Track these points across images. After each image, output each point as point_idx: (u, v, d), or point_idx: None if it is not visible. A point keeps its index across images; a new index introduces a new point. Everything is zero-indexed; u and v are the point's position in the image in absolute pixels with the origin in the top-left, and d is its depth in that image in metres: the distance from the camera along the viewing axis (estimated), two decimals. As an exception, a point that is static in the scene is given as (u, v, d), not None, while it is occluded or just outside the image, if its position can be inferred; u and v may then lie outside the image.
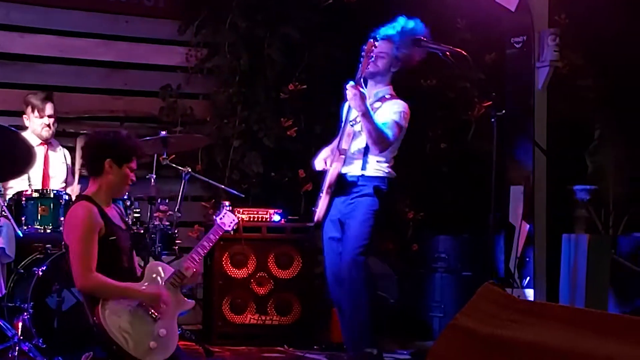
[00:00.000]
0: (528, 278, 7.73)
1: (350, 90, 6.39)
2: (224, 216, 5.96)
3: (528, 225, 7.78)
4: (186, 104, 8.73)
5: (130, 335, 5.11)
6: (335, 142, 6.68)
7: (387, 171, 6.62)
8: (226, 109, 8.74)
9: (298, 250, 7.77)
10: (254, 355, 7.35)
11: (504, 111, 6.64)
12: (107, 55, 8.58)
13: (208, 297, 7.93)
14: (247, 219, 7.83)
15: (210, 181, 7.63)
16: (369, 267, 6.56)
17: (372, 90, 6.63)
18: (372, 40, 6.51)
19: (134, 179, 5.52)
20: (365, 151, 6.56)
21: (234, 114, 8.70)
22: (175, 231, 7.19)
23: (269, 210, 7.91)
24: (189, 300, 5.54)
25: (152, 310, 5.23)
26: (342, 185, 6.57)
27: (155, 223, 6.95)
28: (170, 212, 7.15)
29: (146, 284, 5.37)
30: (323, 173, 6.65)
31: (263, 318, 7.73)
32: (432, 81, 9.01)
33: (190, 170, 7.15)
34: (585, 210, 7.80)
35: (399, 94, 6.71)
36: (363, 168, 6.56)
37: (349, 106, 6.57)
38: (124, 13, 8.63)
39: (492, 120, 6.51)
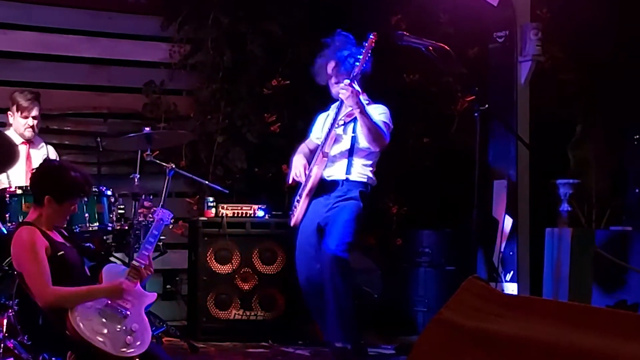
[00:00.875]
0: (512, 272, 7.76)
1: (345, 88, 6.39)
2: (160, 212, 5.95)
3: (511, 220, 7.81)
4: (170, 100, 8.72)
5: (105, 336, 5.11)
6: (304, 150, 6.74)
7: (370, 176, 6.66)
8: (210, 105, 8.73)
9: (282, 245, 7.77)
10: (239, 351, 7.36)
11: (486, 106, 6.67)
12: (90, 51, 8.55)
13: (192, 293, 7.94)
14: (231, 214, 7.84)
15: (195, 177, 7.62)
16: (351, 266, 6.59)
17: (343, 110, 6.69)
18: (372, 37, 6.52)
19: (76, 211, 5.56)
20: (350, 154, 6.59)
21: (218, 110, 8.70)
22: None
23: (253, 206, 7.91)
24: (151, 293, 5.52)
25: (120, 307, 5.22)
26: (323, 187, 6.61)
27: (140, 219, 6.94)
28: (154, 208, 7.15)
29: (105, 284, 5.38)
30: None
31: (247, 313, 7.74)
32: (415, 76, 9.02)
33: (174, 166, 7.14)
34: (568, 204, 7.83)
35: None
36: (348, 172, 6.59)
37: (338, 107, 6.62)
38: (107, 9, 8.61)
39: (475, 114, 6.54)
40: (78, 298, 5.21)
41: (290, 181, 6.91)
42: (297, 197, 6.77)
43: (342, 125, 6.67)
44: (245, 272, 7.76)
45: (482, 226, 7.88)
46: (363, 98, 6.60)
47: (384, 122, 6.60)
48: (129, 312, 5.25)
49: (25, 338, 6.14)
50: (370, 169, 6.72)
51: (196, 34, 8.75)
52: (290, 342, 7.57)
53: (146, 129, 7.15)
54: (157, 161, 7.08)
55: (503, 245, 7.81)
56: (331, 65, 6.76)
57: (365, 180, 6.68)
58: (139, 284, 5.45)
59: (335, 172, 6.64)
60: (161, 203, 7.10)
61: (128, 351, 5.15)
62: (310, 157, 6.88)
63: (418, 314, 8.33)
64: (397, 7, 8.89)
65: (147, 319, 5.37)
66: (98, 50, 8.59)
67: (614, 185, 8.51)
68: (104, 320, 5.17)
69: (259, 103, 8.78)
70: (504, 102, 7.89)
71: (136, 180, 7.02)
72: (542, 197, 8.05)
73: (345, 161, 6.64)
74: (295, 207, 6.74)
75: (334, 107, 6.85)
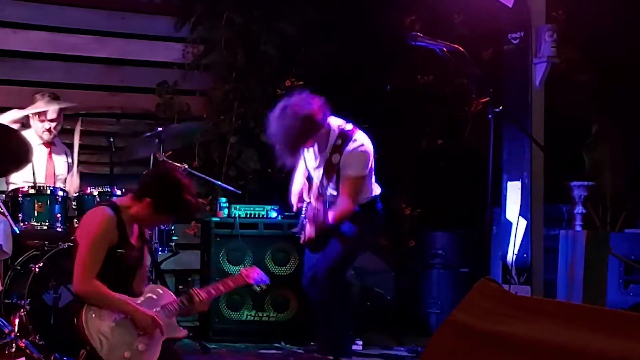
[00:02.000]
0: (525, 274, 7.72)
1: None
2: (253, 272, 5.90)
3: (525, 221, 7.77)
4: (183, 100, 8.72)
5: (107, 340, 5.07)
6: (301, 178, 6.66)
7: (370, 195, 6.50)
8: (223, 106, 8.72)
9: (295, 246, 7.72)
10: (251, 352, 7.34)
11: (501, 107, 6.64)
12: (103, 51, 8.56)
13: (205, 293, 7.91)
14: (244, 215, 7.82)
15: (207, 178, 7.62)
16: (346, 280, 6.56)
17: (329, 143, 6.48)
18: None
19: (162, 225, 5.50)
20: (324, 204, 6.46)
21: (231, 110, 8.68)
22: (172, 228, 7.18)
23: (266, 207, 7.89)
24: (182, 329, 5.48)
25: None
26: None
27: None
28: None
29: (142, 299, 5.33)
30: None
31: (260, 315, 7.72)
32: (429, 77, 9.00)
33: (187, 166, 7.14)
34: (583, 206, 7.79)
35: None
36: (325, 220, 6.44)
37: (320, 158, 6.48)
38: (120, 9, 8.62)
39: (489, 116, 6.51)
40: (110, 304, 5.16)
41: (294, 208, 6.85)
42: (304, 219, 6.61)
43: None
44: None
45: (496, 228, 7.85)
46: (347, 127, 6.41)
47: (348, 183, 6.31)
48: (144, 333, 5.18)
49: (37, 337, 6.17)
50: (370, 190, 6.55)
51: (210, 34, 8.74)
52: (303, 343, 7.54)
53: (159, 129, 7.15)
54: (170, 161, 7.07)
55: (517, 247, 7.77)
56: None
57: (367, 200, 6.51)
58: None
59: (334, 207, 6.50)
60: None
61: None
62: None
63: (431, 315, 8.31)
64: (411, 7, 8.87)
65: (159, 349, 5.25)
66: (111, 50, 8.59)
67: (629, 187, 8.48)
68: (115, 326, 5.13)
69: (272, 103, 8.75)
70: (518, 104, 7.85)
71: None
72: (557, 199, 8.03)
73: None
74: (303, 229, 6.61)
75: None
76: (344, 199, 6.28)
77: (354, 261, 6.80)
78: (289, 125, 6.18)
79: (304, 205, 6.56)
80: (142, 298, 5.34)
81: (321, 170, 6.39)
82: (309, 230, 6.40)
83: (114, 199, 5.52)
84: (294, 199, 6.75)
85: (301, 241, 6.59)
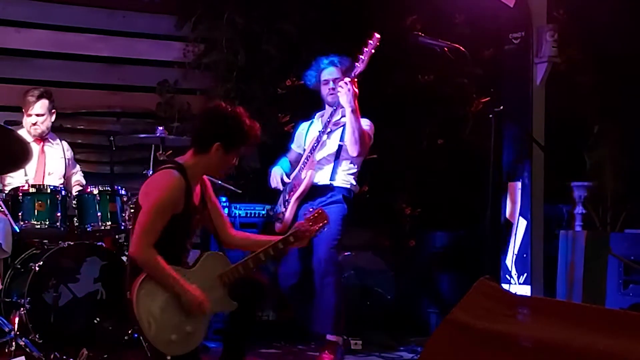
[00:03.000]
0: (525, 274, 7.72)
1: (346, 84, 6.44)
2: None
3: (525, 222, 7.78)
4: (183, 99, 8.71)
5: (156, 322, 5.02)
6: (292, 155, 6.79)
7: (354, 183, 6.73)
8: (223, 105, 8.71)
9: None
10: (251, 351, 7.33)
11: (501, 107, 6.64)
12: (104, 50, 8.54)
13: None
14: (244, 214, 7.82)
15: (208, 177, 7.62)
16: (340, 262, 6.66)
17: (335, 117, 6.79)
18: (378, 35, 6.52)
19: (236, 164, 5.42)
20: (335, 159, 6.65)
21: (231, 110, 8.67)
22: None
23: (266, 206, 7.90)
24: (233, 302, 5.31)
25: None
26: (308, 192, 6.67)
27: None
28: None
29: (197, 267, 5.25)
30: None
31: (259, 314, 7.72)
32: (430, 77, 8.99)
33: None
34: (583, 207, 7.79)
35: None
36: (332, 178, 6.65)
37: (330, 114, 6.66)
38: (121, 8, 8.60)
39: (490, 116, 6.52)
40: (161, 277, 5.05)
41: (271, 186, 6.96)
42: (284, 201, 6.81)
43: (329, 132, 6.74)
44: (257, 273, 7.73)
45: (496, 228, 7.85)
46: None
47: (367, 132, 6.67)
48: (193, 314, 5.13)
49: (37, 336, 6.17)
50: (352, 176, 6.78)
51: (210, 33, 8.73)
52: (302, 342, 7.54)
53: (159, 128, 7.15)
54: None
55: (517, 247, 7.78)
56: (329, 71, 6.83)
57: (348, 186, 6.75)
58: None
59: (320, 177, 6.71)
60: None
61: (164, 348, 5.05)
62: (290, 169, 6.95)
63: (431, 315, 8.30)
64: (413, 7, 8.86)
65: (206, 327, 5.23)
66: (112, 49, 8.57)
67: (630, 188, 8.48)
68: (165, 307, 5.06)
69: (273, 103, 8.76)
70: (519, 104, 7.86)
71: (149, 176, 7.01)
72: (557, 200, 8.02)
73: (330, 167, 6.71)
74: (283, 212, 6.77)
75: (318, 116, 6.98)
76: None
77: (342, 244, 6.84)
78: None
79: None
80: (197, 266, 5.27)
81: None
82: (309, 176, 6.62)
83: (177, 158, 5.36)
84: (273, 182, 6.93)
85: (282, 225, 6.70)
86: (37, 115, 7.15)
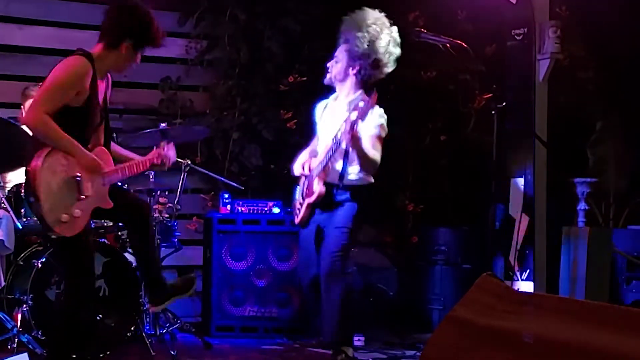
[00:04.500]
0: (528, 271, 7.72)
1: (349, 128, 6.01)
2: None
3: (528, 218, 7.77)
4: (186, 96, 8.72)
5: (51, 197, 4.94)
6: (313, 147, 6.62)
7: (365, 178, 6.41)
8: (226, 101, 8.72)
9: (297, 242, 7.73)
10: (253, 347, 7.35)
11: (504, 103, 6.64)
12: (106, 47, 8.53)
13: (207, 289, 7.92)
14: (247, 211, 7.83)
15: (210, 173, 7.63)
16: (344, 273, 6.45)
17: (345, 100, 6.42)
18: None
19: (139, 62, 5.38)
20: (344, 159, 6.32)
21: (234, 106, 8.68)
22: (174, 223, 7.19)
23: (269, 203, 7.90)
24: (110, 201, 5.26)
25: (82, 190, 5.04)
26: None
27: (155, 215, 6.94)
28: (169, 205, 7.15)
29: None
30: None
31: (262, 310, 7.72)
32: (432, 73, 9.00)
33: (189, 162, 7.15)
34: (586, 203, 7.78)
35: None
36: (342, 177, 6.35)
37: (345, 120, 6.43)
38: (124, 5, 8.59)
39: (493, 112, 6.51)
40: (58, 140, 4.99)
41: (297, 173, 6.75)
42: (300, 200, 6.59)
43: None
44: (260, 269, 7.75)
45: (499, 224, 7.85)
46: (359, 98, 6.24)
47: (376, 137, 6.25)
48: (84, 198, 5.06)
49: (40, 333, 6.18)
50: (363, 173, 6.49)
51: (213, 30, 8.73)
52: (305, 338, 7.54)
53: (162, 124, 7.14)
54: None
55: (519, 243, 7.77)
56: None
57: (359, 183, 6.42)
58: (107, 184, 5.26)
59: (331, 177, 6.44)
60: (176, 199, 7.12)
61: (55, 226, 4.98)
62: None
63: (434, 312, 8.30)
64: (415, 3, 8.86)
65: (89, 216, 5.17)
66: (115, 46, 8.56)
67: (633, 184, 8.47)
68: (63, 185, 4.99)
69: (275, 99, 8.76)
70: (521, 100, 7.84)
71: (151, 176, 7.02)
72: (560, 196, 8.01)
73: (340, 163, 6.38)
74: (299, 210, 6.57)
75: (332, 98, 6.64)
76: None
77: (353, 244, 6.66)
78: None
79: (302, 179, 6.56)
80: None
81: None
82: (320, 187, 6.33)
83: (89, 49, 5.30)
84: (296, 169, 6.69)
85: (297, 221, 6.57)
86: None
